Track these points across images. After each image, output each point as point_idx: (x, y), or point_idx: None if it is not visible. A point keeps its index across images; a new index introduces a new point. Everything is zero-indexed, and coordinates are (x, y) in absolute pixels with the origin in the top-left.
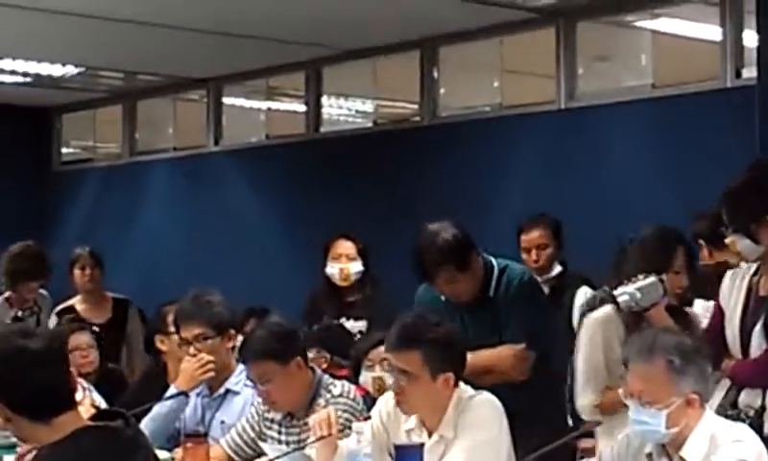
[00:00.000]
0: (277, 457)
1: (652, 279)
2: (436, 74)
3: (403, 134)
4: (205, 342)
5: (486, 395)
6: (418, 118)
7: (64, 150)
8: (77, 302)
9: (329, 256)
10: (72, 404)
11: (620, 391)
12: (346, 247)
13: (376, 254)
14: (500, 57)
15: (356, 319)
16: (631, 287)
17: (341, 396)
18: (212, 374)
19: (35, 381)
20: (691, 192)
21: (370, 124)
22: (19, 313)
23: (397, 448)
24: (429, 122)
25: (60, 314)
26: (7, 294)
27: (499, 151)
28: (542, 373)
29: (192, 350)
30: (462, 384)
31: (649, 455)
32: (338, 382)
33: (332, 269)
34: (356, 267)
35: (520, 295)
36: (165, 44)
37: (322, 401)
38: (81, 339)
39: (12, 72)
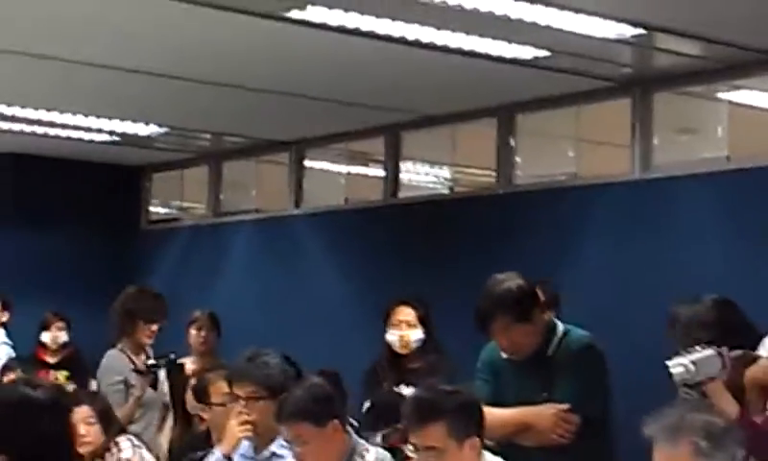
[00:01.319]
0: None
1: (710, 351)
2: (512, 142)
3: (479, 202)
4: (257, 402)
5: None
6: (494, 186)
7: (152, 209)
8: (189, 361)
9: (389, 323)
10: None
11: None
12: (406, 313)
13: (448, 321)
14: (576, 126)
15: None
16: (686, 358)
17: None
18: (249, 433)
19: (36, 431)
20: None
21: (447, 191)
22: (149, 362)
23: None
24: (505, 190)
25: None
26: (120, 345)
27: (573, 221)
28: (587, 441)
29: (239, 408)
30: (489, 455)
31: None
32: (372, 448)
33: (392, 336)
34: (417, 334)
35: (577, 356)
36: (250, 106)
37: None
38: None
39: (100, 131)
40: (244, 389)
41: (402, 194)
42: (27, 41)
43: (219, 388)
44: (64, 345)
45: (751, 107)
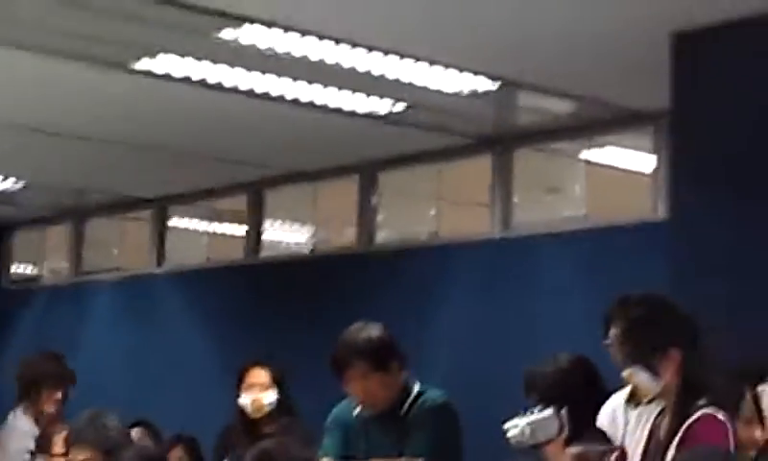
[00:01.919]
0: None
1: (548, 412)
2: (374, 200)
3: (339, 262)
4: None
5: None
6: (355, 245)
7: (13, 268)
8: None
9: (242, 386)
10: None
11: None
12: (259, 376)
13: (308, 382)
14: (438, 184)
15: None
16: (522, 420)
17: None
18: None
19: None
20: None
21: (308, 250)
22: None
23: None
24: (366, 249)
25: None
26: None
27: (435, 280)
28: None
29: None
30: None
31: None
32: None
33: (245, 400)
34: (270, 397)
35: (431, 414)
36: (112, 161)
37: None
38: None
39: None
40: (82, 453)
41: (264, 253)
42: None
43: (61, 438)
44: None
45: (608, 166)
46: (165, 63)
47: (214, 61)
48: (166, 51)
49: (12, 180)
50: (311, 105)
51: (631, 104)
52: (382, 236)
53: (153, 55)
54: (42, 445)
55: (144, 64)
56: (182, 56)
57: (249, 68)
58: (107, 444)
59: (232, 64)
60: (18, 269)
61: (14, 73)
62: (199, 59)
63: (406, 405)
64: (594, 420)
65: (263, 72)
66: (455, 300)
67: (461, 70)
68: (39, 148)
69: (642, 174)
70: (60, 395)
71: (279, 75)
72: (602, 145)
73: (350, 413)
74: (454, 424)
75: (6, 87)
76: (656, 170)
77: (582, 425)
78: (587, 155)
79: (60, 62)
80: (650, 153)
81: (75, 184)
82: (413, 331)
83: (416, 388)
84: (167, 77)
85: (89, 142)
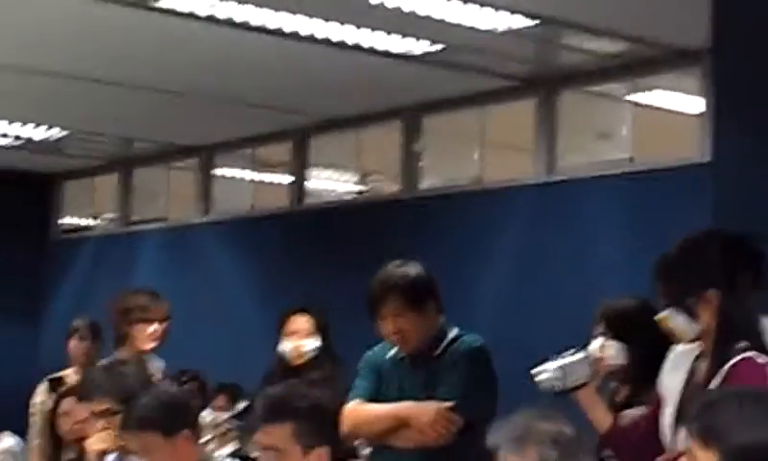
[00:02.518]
0: None
1: (580, 355)
2: (417, 146)
3: (383, 208)
4: (114, 416)
5: None
6: (398, 191)
7: (63, 218)
8: (71, 372)
9: (283, 333)
10: None
11: None
12: (301, 323)
13: (348, 331)
14: (481, 128)
15: None
16: (553, 364)
17: None
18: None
19: None
20: None
21: (352, 196)
22: None
23: None
24: (409, 195)
25: (51, 382)
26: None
27: (478, 225)
28: (468, 445)
29: (99, 424)
30: None
31: None
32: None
33: (284, 347)
34: (312, 344)
35: (465, 356)
36: (158, 109)
37: None
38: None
39: (4, 135)
40: (100, 405)
41: (308, 201)
42: None
43: None
44: None
45: (655, 108)
46: (208, 4)
47: (258, 5)
48: None
49: (56, 129)
50: (346, 45)
51: (677, 42)
52: (426, 182)
53: None
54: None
55: (185, 4)
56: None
57: (277, 9)
58: (125, 392)
59: (270, 6)
60: (68, 219)
61: (59, 19)
62: (241, 2)
63: (441, 348)
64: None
65: (294, 12)
66: (500, 244)
67: (496, 9)
68: (85, 96)
69: (690, 115)
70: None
71: (310, 15)
72: (649, 87)
73: (384, 355)
74: (489, 367)
75: (49, 34)
76: (703, 111)
77: (646, 366)
78: (633, 97)
79: (103, 7)
80: (697, 94)
81: (122, 133)
82: (457, 277)
83: (452, 332)
84: (210, 19)
85: (135, 90)
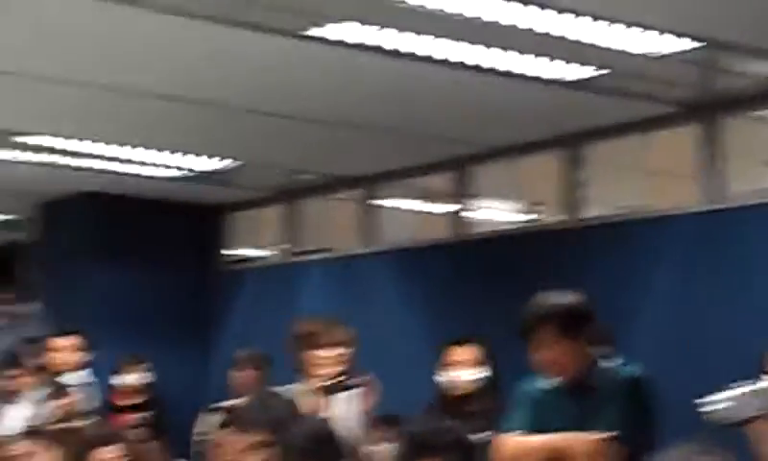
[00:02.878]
0: None
1: (754, 386)
2: (579, 174)
3: (545, 237)
4: (264, 449)
5: None
6: (560, 220)
7: (229, 249)
8: (236, 403)
9: (445, 364)
10: None
11: None
12: (462, 354)
13: (511, 362)
14: (643, 155)
15: (476, 431)
16: (723, 395)
17: None
18: None
19: None
20: None
21: (515, 226)
22: None
23: None
24: (571, 225)
25: (212, 412)
26: None
27: (641, 254)
28: None
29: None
30: None
31: None
32: None
33: (442, 378)
34: (473, 375)
35: (624, 387)
36: (322, 141)
37: None
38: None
39: (177, 167)
40: (252, 437)
41: (470, 230)
42: (95, 71)
43: None
44: (143, 387)
45: None
46: (372, 35)
47: (417, 33)
48: (366, 22)
49: (228, 160)
50: (509, 74)
51: None
52: (588, 210)
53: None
54: None
55: (349, 34)
56: (381, 26)
57: (440, 37)
58: (276, 423)
59: (431, 34)
60: (234, 250)
61: (231, 53)
62: (401, 30)
63: (597, 377)
64: None
65: (456, 39)
66: (662, 274)
67: (661, 32)
68: (255, 129)
69: None
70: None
71: (472, 42)
72: None
73: (539, 386)
74: (648, 399)
75: (222, 68)
76: None
77: None
78: None
79: (273, 40)
80: None
81: (289, 165)
82: (618, 306)
83: (611, 362)
84: (376, 50)
85: (303, 122)
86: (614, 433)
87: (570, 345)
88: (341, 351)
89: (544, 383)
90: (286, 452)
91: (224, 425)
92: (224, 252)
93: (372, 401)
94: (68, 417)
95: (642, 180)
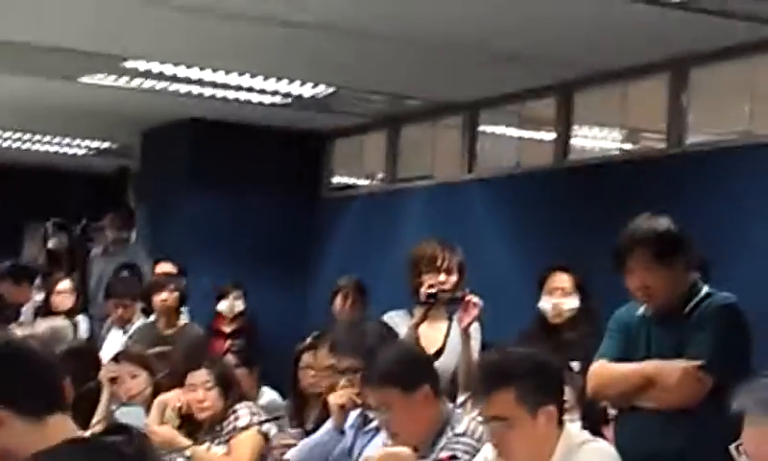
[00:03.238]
0: None
1: None
2: (684, 99)
3: (649, 164)
4: (356, 374)
5: (600, 443)
6: (664, 147)
7: (332, 176)
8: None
9: (544, 290)
10: (64, 407)
11: None
12: (562, 280)
13: (610, 290)
14: (751, 80)
15: (570, 359)
16: None
17: (464, 434)
18: (345, 401)
19: (28, 376)
20: None
21: (617, 152)
22: None
23: None
24: (675, 151)
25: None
26: None
27: (746, 182)
28: (717, 409)
29: (343, 380)
30: (573, 427)
31: None
32: (465, 418)
33: (546, 304)
34: (572, 303)
35: (718, 315)
36: (424, 65)
37: (444, 440)
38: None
39: (275, 93)
40: (343, 362)
41: (572, 157)
42: None
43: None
44: (241, 314)
45: None
46: None
47: None
48: None
49: (330, 86)
50: None
51: None
52: (693, 136)
53: None
54: None
55: None
56: None
57: None
58: (366, 350)
59: None
60: (337, 178)
61: None
62: None
63: (691, 306)
64: None
65: None
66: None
67: None
68: (355, 53)
69: None
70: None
71: None
72: None
73: (633, 314)
74: (744, 329)
75: None
76: None
77: None
78: None
79: None
80: None
81: (391, 90)
82: (722, 234)
83: (704, 290)
84: None
85: (404, 45)
86: (703, 362)
87: (663, 271)
88: (457, 276)
89: (638, 310)
90: (372, 376)
91: (305, 350)
92: (325, 179)
93: (469, 318)
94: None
95: (749, 104)
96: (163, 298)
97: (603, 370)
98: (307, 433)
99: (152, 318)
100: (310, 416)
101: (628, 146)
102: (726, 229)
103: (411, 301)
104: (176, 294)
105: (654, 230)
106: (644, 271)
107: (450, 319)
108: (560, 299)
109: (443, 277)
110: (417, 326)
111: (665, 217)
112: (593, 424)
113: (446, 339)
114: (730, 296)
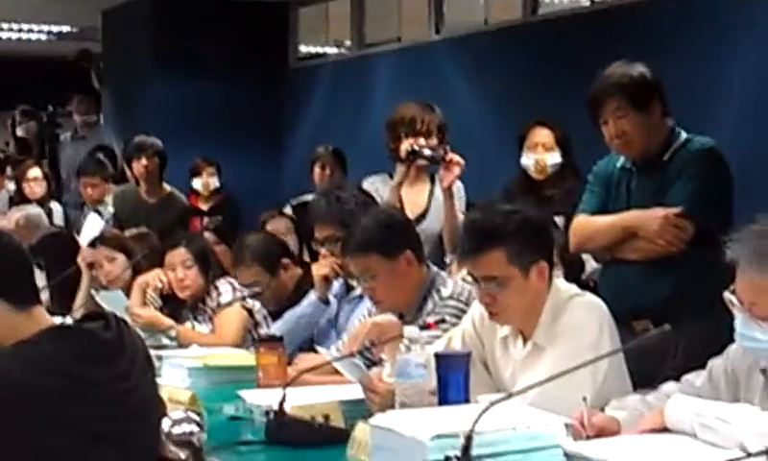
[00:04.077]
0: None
1: None
2: None
3: (620, 13)
4: (336, 243)
5: (588, 296)
6: None
7: (300, 46)
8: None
9: (525, 146)
10: (39, 301)
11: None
12: (543, 135)
13: (589, 143)
14: None
15: (554, 214)
16: None
17: (450, 297)
18: (328, 271)
19: (12, 266)
20: None
21: (587, 3)
22: None
23: (439, 357)
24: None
25: (294, 207)
26: None
27: (725, 26)
28: (700, 254)
29: (324, 251)
30: (561, 282)
31: (764, 371)
32: (450, 281)
33: (527, 160)
34: (554, 158)
35: (695, 160)
36: None
37: (430, 304)
38: (279, 225)
39: None
40: (322, 232)
41: (542, 10)
42: None
43: None
44: (216, 190)
45: None
46: None
47: None
48: None
49: None
50: None
51: None
52: None
53: None
54: None
55: None
56: None
57: None
58: (344, 218)
59: None
60: (303, 47)
61: None
62: None
63: (670, 150)
64: None
65: None
66: (749, 46)
67: None
68: None
69: None
70: None
71: None
72: None
73: (613, 166)
74: (724, 171)
75: None
76: None
77: None
78: None
79: None
80: None
81: None
82: (695, 83)
83: (682, 135)
84: None
85: None
86: (684, 208)
87: (638, 117)
88: (438, 138)
89: (618, 162)
90: (352, 244)
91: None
92: (291, 49)
93: (452, 177)
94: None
95: None
96: (144, 163)
97: (584, 223)
98: None
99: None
100: None
101: None
102: (700, 77)
103: (388, 165)
104: (156, 160)
105: (628, 76)
106: (619, 118)
107: (432, 181)
108: (541, 154)
109: (422, 140)
110: (399, 185)
111: (639, 63)
112: (573, 279)
113: (430, 201)
114: (709, 140)
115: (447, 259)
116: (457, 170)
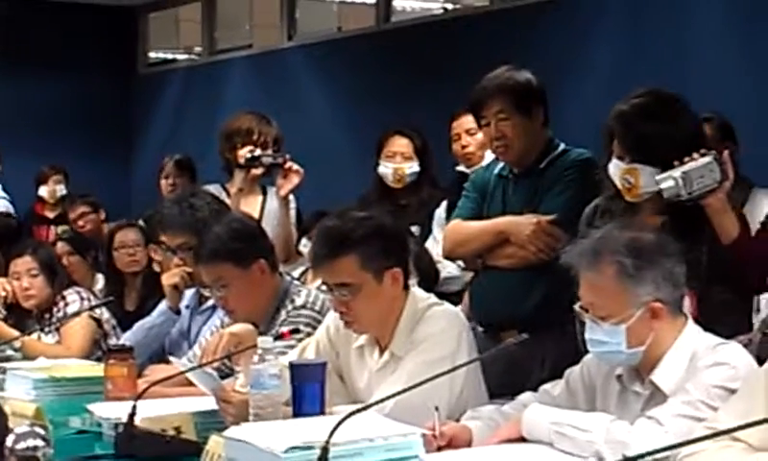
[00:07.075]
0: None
1: (707, 159)
2: None
3: (473, 22)
4: (189, 251)
5: (446, 306)
6: (487, 3)
7: (149, 52)
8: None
9: (382, 155)
10: None
11: None
12: (401, 144)
13: (445, 151)
14: None
15: (409, 224)
16: (676, 171)
17: (304, 307)
18: (177, 280)
19: None
20: None
21: (440, 11)
22: None
23: (293, 367)
24: (498, 6)
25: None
26: None
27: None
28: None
29: (176, 259)
30: (418, 291)
31: (619, 377)
32: (304, 290)
33: (385, 169)
34: (412, 167)
35: (572, 170)
36: None
37: (283, 313)
38: (127, 236)
39: None
40: (174, 240)
41: (395, 18)
42: None
43: None
44: (63, 198)
45: None
46: None
47: None
48: None
49: None
50: None
51: None
52: None
53: None
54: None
55: None
56: None
57: None
58: (197, 226)
59: None
60: (153, 53)
61: None
62: None
63: (547, 161)
64: None
65: None
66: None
67: None
68: None
69: None
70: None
71: None
72: None
73: (491, 173)
74: (596, 183)
75: None
76: None
77: None
78: None
79: None
80: None
81: None
82: (558, 87)
83: (560, 147)
84: None
85: None
86: (556, 216)
87: (520, 121)
88: (273, 150)
89: (496, 169)
90: (204, 253)
91: (118, 228)
92: (141, 55)
93: (291, 185)
94: None
95: None
96: None
97: (457, 228)
98: (128, 314)
99: None
100: (131, 296)
101: (449, 5)
102: (558, 81)
103: (224, 175)
104: None
105: (514, 79)
106: (501, 120)
107: (264, 193)
108: (400, 163)
109: (258, 151)
110: (240, 191)
111: (524, 69)
112: (427, 288)
113: (262, 212)
114: (585, 152)
115: (280, 268)
116: (296, 179)
